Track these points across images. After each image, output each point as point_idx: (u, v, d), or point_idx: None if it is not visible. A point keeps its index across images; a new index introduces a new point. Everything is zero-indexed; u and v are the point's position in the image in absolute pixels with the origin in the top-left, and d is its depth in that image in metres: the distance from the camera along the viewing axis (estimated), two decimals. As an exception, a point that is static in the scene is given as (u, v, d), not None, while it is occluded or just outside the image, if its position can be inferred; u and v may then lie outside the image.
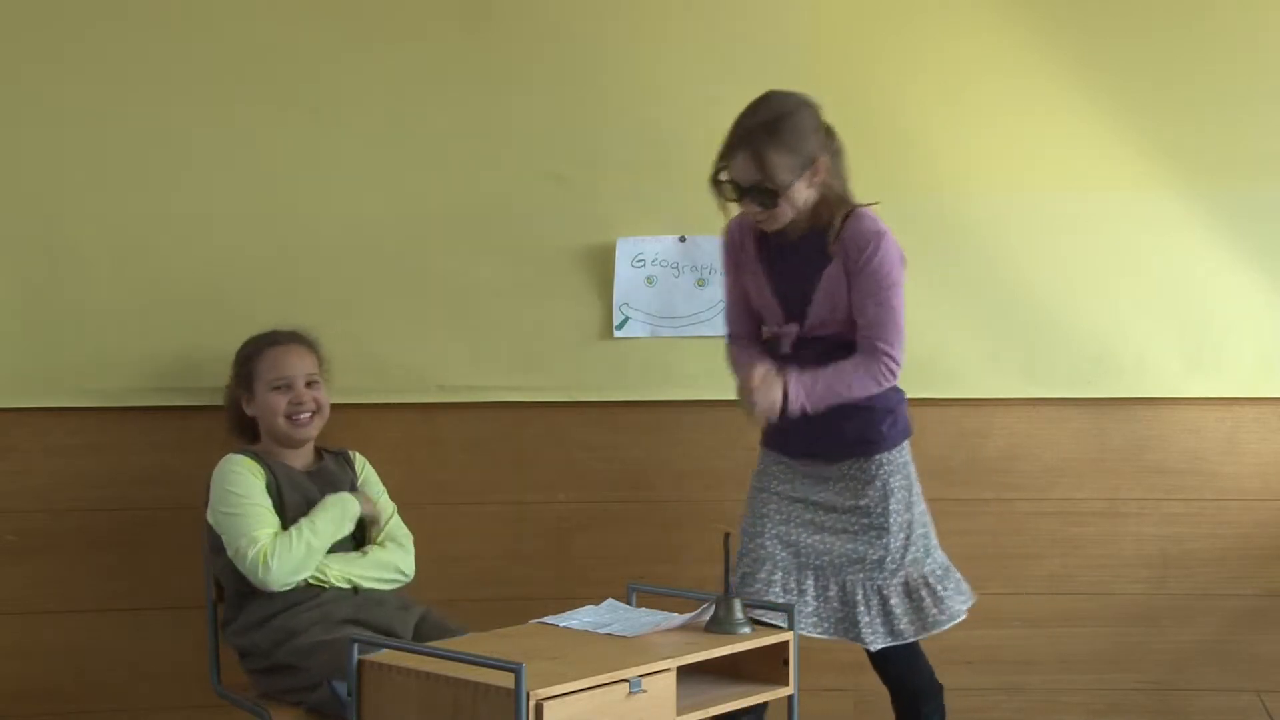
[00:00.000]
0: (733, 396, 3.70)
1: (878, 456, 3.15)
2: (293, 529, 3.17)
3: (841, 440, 3.13)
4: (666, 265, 3.72)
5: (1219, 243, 3.74)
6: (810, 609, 3.14)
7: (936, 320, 3.72)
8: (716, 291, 3.70)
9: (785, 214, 3.03)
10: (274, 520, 3.19)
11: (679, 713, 2.55)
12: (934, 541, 3.21)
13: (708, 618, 2.76)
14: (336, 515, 3.22)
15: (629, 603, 2.94)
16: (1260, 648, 3.79)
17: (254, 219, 3.63)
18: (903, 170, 3.71)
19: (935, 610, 3.14)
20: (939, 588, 3.15)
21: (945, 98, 3.70)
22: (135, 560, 3.62)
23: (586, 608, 2.89)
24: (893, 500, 3.14)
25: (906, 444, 3.20)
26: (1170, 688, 3.79)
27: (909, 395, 3.72)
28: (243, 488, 3.20)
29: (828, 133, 3.08)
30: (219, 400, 3.58)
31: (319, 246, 3.64)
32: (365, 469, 3.42)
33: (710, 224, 3.69)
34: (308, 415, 3.30)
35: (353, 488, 3.32)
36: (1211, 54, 3.73)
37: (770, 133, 2.98)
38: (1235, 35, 3.74)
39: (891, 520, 3.13)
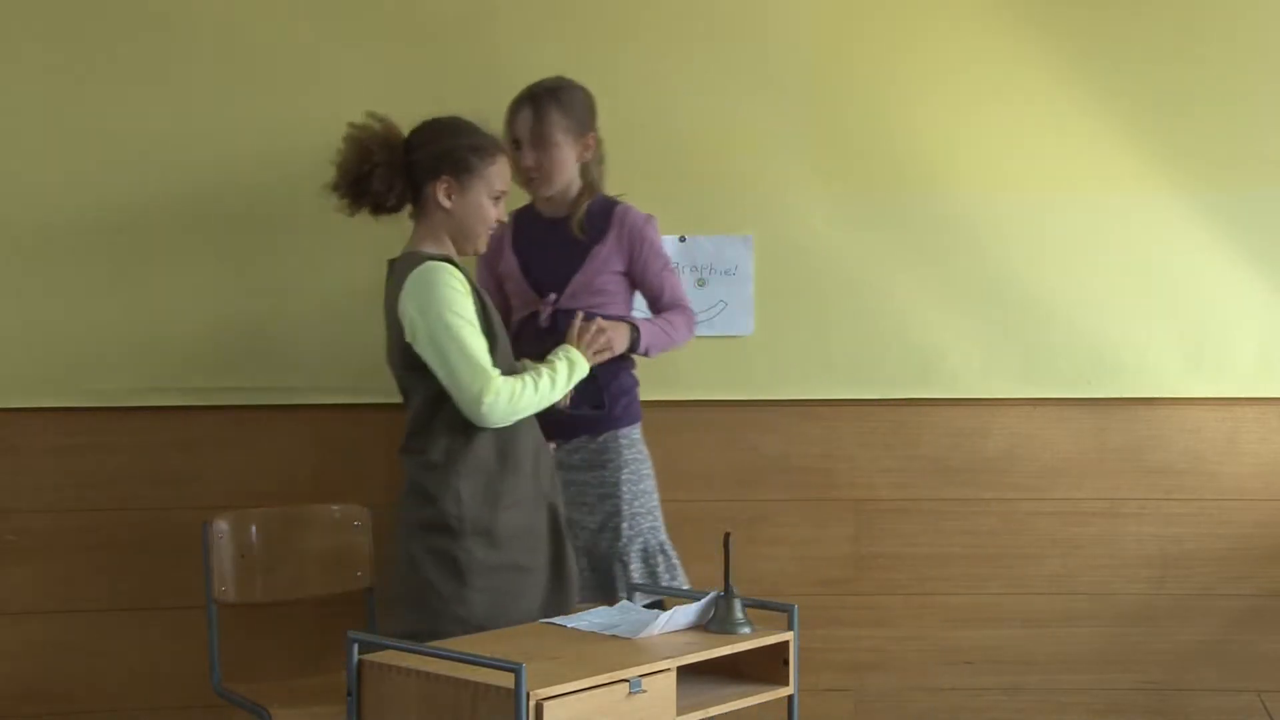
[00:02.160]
0: (736, 395, 3.72)
1: (618, 432, 3.36)
2: (529, 377, 2.97)
3: (602, 419, 3.33)
4: (666, 265, 3.71)
5: (1219, 243, 3.74)
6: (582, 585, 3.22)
7: (936, 320, 3.72)
8: (717, 291, 3.71)
9: (556, 178, 3.33)
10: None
11: (679, 713, 2.56)
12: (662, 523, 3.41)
13: (713, 612, 2.77)
14: (565, 380, 3.05)
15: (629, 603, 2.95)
16: (1260, 648, 3.79)
17: (255, 219, 3.63)
18: (903, 170, 3.71)
19: (668, 577, 3.30)
20: (672, 555, 3.36)
21: (946, 99, 3.70)
22: (135, 560, 3.61)
23: (599, 608, 2.89)
24: (626, 471, 3.34)
25: (640, 425, 3.41)
26: (1170, 688, 3.79)
27: (908, 396, 3.75)
28: (464, 309, 2.92)
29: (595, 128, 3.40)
30: (219, 400, 3.59)
31: (319, 245, 3.64)
32: None
33: (711, 224, 3.71)
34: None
35: None
36: (1212, 54, 3.73)
37: (552, 94, 3.33)
38: (1236, 35, 3.73)
39: (624, 489, 3.33)
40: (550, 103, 3.30)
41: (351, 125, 3.00)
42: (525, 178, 3.32)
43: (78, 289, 3.59)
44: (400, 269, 2.99)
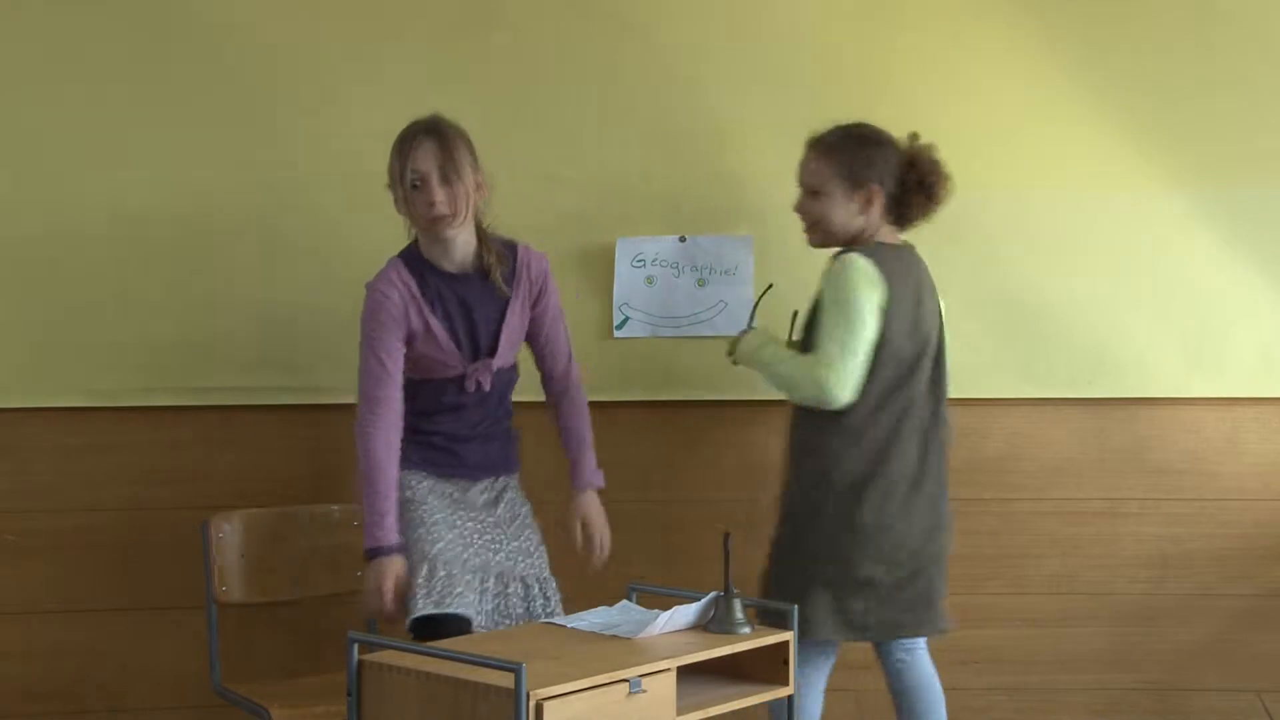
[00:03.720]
0: (736, 395, 3.72)
1: (518, 473, 3.41)
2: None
3: (501, 461, 3.36)
4: (666, 265, 3.72)
5: (1219, 243, 3.75)
6: (490, 607, 3.19)
7: (936, 320, 3.72)
8: (716, 291, 3.71)
9: (467, 213, 3.15)
10: None
11: (679, 713, 2.56)
12: None
13: (713, 612, 2.77)
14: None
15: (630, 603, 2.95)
16: (1260, 648, 3.79)
17: (254, 219, 3.64)
18: (903, 170, 3.71)
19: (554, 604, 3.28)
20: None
21: (945, 99, 3.70)
22: (135, 560, 3.62)
23: (599, 608, 2.90)
24: (527, 505, 3.38)
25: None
26: (1170, 688, 3.79)
27: (909, 395, 3.74)
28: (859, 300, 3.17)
29: None
30: (219, 400, 3.60)
31: (319, 246, 3.65)
32: None
33: (711, 224, 3.71)
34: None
35: None
36: (1212, 54, 3.73)
37: (448, 125, 3.17)
38: (1236, 35, 3.74)
39: (532, 519, 3.36)
40: (452, 132, 3.13)
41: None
42: (433, 216, 3.11)
43: (78, 289, 3.59)
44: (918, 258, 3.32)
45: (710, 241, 3.72)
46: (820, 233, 3.32)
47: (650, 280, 3.72)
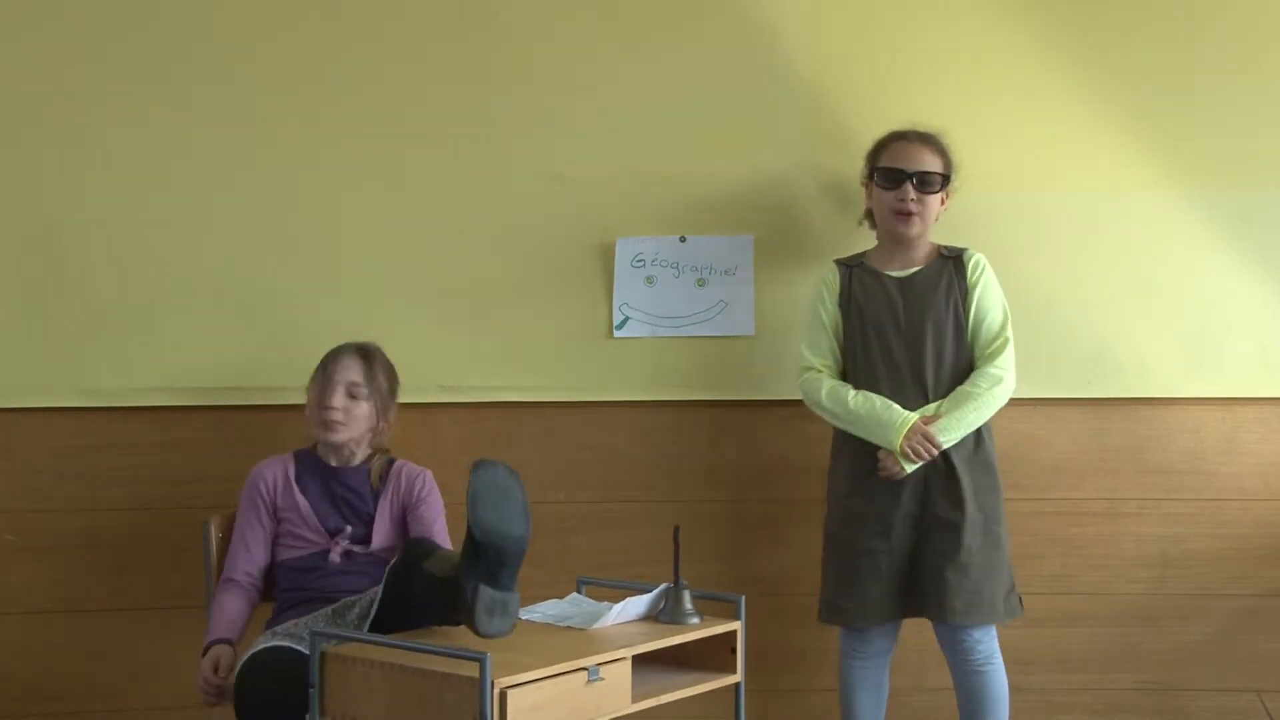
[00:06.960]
0: (736, 395, 3.72)
1: None
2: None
3: None
4: (666, 265, 3.72)
5: (1219, 243, 3.74)
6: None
7: (936, 320, 3.72)
8: (716, 291, 3.71)
9: (357, 427, 3.33)
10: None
11: (634, 700, 2.64)
12: None
13: (662, 603, 2.85)
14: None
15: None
16: (1260, 648, 3.79)
17: (255, 219, 3.64)
18: (903, 170, 3.71)
19: None
20: None
21: (944, 99, 3.70)
22: (135, 560, 3.62)
23: (550, 601, 2.94)
24: None
25: None
26: (1170, 688, 3.79)
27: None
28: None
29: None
30: (218, 400, 3.60)
31: (320, 246, 3.65)
32: None
33: (711, 224, 3.71)
34: None
35: None
36: (1212, 54, 3.73)
37: (384, 358, 3.41)
38: (1236, 36, 3.74)
39: None
40: (380, 359, 3.35)
41: None
42: (324, 420, 3.28)
43: (78, 289, 3.60)
44: None
45: (710, 241, 3.72)
46: (924, 225, 3.46)
47: (650, 280, 3.72)
